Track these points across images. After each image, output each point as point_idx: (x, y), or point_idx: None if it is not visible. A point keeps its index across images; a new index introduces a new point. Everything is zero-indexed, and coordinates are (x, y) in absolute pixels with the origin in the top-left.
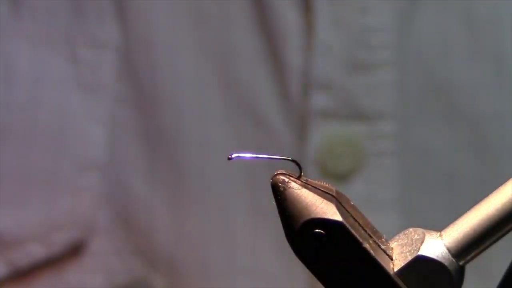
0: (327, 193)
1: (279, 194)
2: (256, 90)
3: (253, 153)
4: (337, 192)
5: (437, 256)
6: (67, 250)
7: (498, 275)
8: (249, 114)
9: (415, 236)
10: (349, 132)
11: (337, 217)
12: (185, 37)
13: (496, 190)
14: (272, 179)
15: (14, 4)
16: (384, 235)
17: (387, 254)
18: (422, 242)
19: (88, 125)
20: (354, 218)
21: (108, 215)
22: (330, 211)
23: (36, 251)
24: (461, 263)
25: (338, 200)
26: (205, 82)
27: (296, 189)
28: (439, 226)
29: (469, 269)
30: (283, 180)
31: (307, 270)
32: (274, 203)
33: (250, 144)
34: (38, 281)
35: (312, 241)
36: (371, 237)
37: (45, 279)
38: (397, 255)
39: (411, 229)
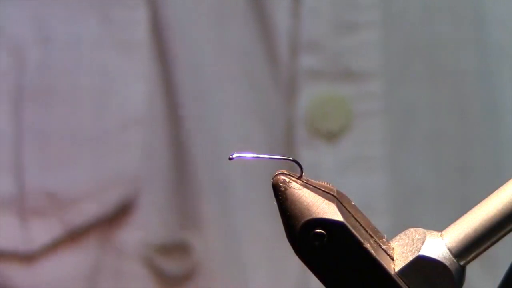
0: (328, 193)
1: (280, 194)
2: (245, 51)
3: (253, 153)
4: (338, 192)
5: (438, 256)
6: (118, 208)
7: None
8: (240, 75)
9: (416, 236)
10: (337, 92)
11: (338, 217)
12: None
13: (497, 190)
14: (273, 179)
15: None
16: (385, 235)
17: (388, 254)
18: (423, 242)
19: (127, 82)
20: (355, 218)
21: (151, 172)
22: (331, 211)
23: (90, 210)
24: (462, 263)
25: (339, 200)
26: (205, 43)
27: (297, 189)
28: (423, 185)
29: (471, 269)
30: (284, 180)
31: None
32: (275, 203)
33: (242, 104)
34: (88, 240)
35: (313, 241)
36: (372, 237)
37: (95, 238)
38: (398, 255)
39: (412, 229)
